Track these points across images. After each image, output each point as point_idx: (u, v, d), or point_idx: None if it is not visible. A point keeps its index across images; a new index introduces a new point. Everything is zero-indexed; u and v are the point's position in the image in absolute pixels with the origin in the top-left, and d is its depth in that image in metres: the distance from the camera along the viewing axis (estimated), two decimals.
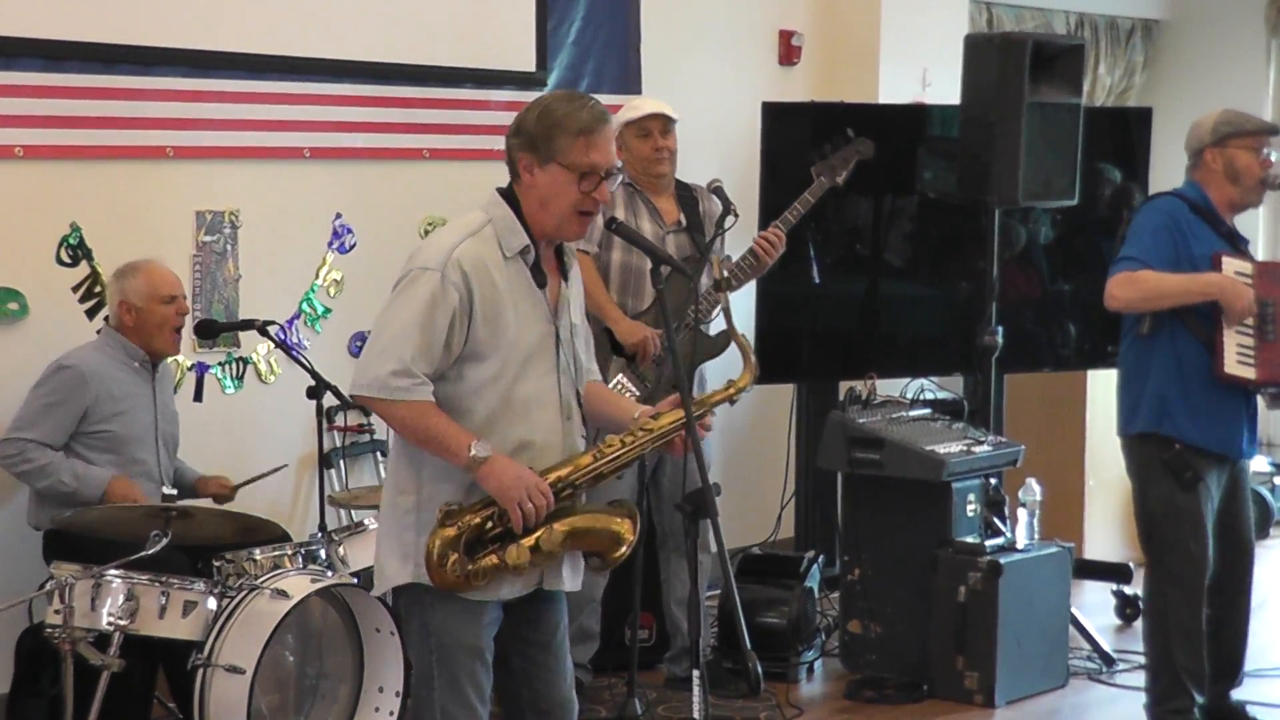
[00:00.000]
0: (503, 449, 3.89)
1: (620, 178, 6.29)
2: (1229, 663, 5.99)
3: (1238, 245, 5.83)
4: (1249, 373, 5.70)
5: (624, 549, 3.97)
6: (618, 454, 3.95)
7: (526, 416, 3.93)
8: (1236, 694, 6.06)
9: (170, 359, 6.01)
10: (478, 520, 3.86)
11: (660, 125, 6.34)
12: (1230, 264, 5.72)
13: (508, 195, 3.98)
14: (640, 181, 6.37)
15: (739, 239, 6.55)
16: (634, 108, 6.47)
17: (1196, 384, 5.71)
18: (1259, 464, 8.84)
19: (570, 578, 4.06)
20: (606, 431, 4.07)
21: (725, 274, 6.20)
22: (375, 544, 4.08)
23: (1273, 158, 5.82)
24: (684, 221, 6.37)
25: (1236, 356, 5.68)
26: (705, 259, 6.04)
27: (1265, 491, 9.08)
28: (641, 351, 6.17)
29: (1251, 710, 6.09)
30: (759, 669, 3.88)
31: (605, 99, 7.33)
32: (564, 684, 4.11)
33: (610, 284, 6.28)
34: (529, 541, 3.87)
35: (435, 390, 3.89)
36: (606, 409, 4.14)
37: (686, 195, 6.44)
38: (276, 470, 6.12)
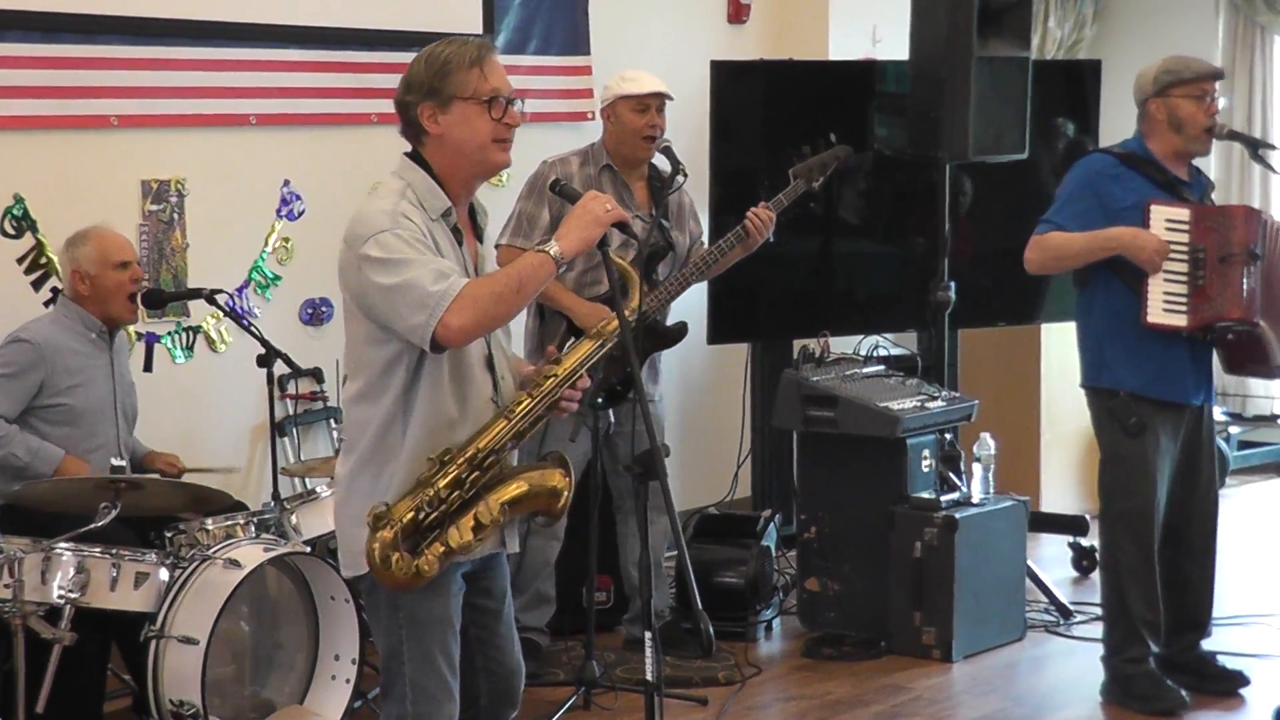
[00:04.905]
0: (471, 405, 3.83)
1: (602, 159, 6.22)
2: (1196, 613, 5.98)
3: (1181, 193, 5.77)
4: (1178, 320, 5.66)
5: (564, 498, 3.90)
6: (529, 408, 3.82)
7: (471, 378, 3.87)
8: (1206, 644, 6.06)
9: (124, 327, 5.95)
10: (410, 515, 3.75)
11: (658, 103, 6.23)
12: (1161, 212, 5.67)
13: (416, 160, 3.88)
14: (619, 157, 6.26)
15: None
16: (634, 81, 6.25)
17: (1134, 333, 5.70)
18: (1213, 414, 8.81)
19: (510, 540, 4.01)
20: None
21: (702, 259, 6.22)
22: (335, 523, 4.00)
23: (1220, 103, 5.78)
24: (652, 211, 6.27)
25: (1163, 304, 5.65)
26: (669, 249, 6.04)
27: (1220, 441, 9.09)
28: None
29: (1220, 660, 6.09)
30: (711, 629, 3.85)
31: (553, 60, 7.48)
32: (515, 650, 4.10)
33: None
34: (468, 520, 3.79)
35: (410, 363, 3.79)
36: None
37: (657, 183, 6.30)
38: (228, 470, 5.99)
